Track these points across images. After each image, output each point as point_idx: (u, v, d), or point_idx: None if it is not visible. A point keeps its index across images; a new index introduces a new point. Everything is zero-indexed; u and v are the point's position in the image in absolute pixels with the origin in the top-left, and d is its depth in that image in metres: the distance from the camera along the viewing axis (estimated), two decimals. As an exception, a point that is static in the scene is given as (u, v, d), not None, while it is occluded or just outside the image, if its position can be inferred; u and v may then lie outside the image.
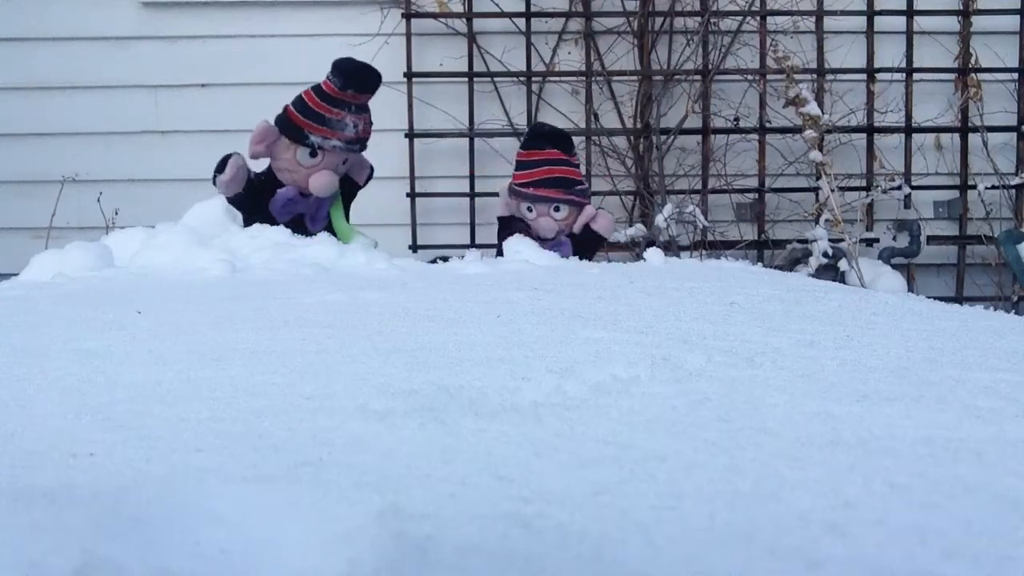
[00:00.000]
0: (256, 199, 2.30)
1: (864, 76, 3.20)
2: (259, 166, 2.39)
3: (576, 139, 3.16)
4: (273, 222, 2.26)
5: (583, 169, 3.15)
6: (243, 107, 3.17)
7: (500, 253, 2.36)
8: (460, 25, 3.16)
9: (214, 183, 2.30)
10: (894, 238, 3.25)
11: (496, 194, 2.65)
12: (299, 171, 2.30)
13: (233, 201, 2.30)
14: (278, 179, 2.35)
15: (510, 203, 2.48)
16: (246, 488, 0.52)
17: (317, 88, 2.33)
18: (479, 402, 0.73)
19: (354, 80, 2.30)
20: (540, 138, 2.44)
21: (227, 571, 0.43)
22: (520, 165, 2.46)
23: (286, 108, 2.34)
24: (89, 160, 3.13)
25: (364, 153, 2.45)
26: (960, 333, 1.15)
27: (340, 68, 2.32)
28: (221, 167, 2.28)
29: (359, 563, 0.43)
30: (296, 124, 2.30)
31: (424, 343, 0.99)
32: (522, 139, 2.50)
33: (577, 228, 2.41)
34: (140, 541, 0.44)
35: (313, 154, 2.29)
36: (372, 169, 2.51)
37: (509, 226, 2.46)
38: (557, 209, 2.40)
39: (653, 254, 2.18)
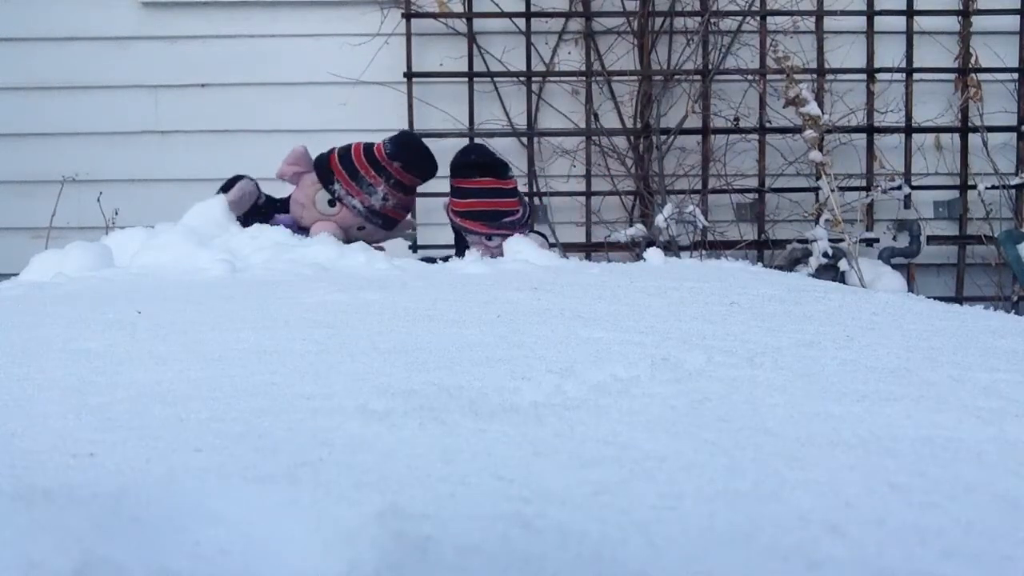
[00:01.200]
0: (255, 221, 2.22)
1: (864, 76, 3.20)
2: (276, 192, 2.36)
3: (576, 139, 3.17)
4: None
5: (583, 170, 3.16)
6: (243, 107, 3.17)
7: (460, 253, 2.32)
8: (460, 25, 3.16)
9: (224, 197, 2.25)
10: (894, 238, 3.25)
11: None
12: (312, 212, 2.23)
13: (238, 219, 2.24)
14: (288, 207, 2.30)
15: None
16: (246, 488, 0.52)
17: (369, 145, 2.27)
18: (479, 402, 0.73)
19: (404, 155, 2.23)
20: (468, 167, 2.29)
21: (227, 571, 0.43)
22: (453, 191, 2.33)
23: (332, 149, 2.29)
24: (89, 160, 3.13)
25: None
26: (960, 333, 1.15)
27: (397, 137, 2.27)
28: (227, 186, 2.24)
29: (359, 563, 0.43)
30: (329, 167, 2.24)
31: (424, 343, 0.99)
32: (451, 164, 2.33)
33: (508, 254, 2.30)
34: (140, 541, 0.44)
35: (332, 203, 2.22)
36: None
37: (462, 236, 2.40)
38: (490, 239, 2.29)
39: (653, 254, 2.18)
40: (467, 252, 2.28)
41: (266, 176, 2.92)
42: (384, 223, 2.27)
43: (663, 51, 3.19)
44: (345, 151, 2.25)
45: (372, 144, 2.25)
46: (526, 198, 2.54)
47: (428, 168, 2.27)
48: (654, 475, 0.56)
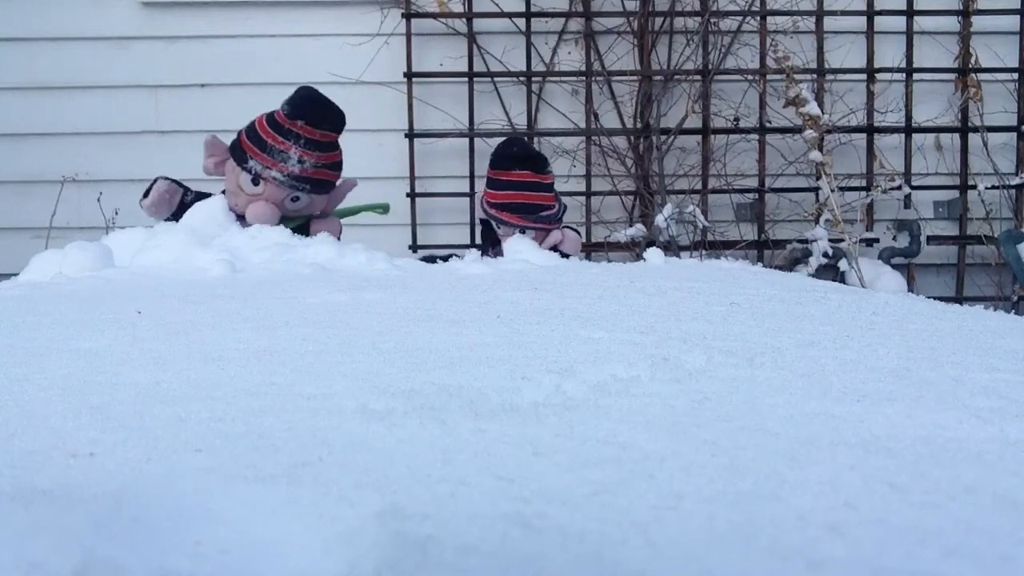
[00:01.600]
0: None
1: (864, 76, 3.20)
2: (208, 188, 2.31)
3: (576, 139, 3.17)
4: None
5: (583, 170, 3.16)
6: (243, 107, 3.16)
7: (485, 253, 2.33)
8: (460, 25, 3.16)
9: (140, 206, 2.21)
10: (894, 238, 3.25)
11: None
12: (241, 196, 2.16)
13: (171, 221, 2.18)
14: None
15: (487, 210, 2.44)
16: (246, 488, 0.52)
17: (271, 112, 2.19)
18: (479, 402, 0.73)
19: (303, 111, 2.14)
20: (508, 159, 2.32)
21: (227, 571, 0.43)
22: (489, 182, 2.36)
23: (240, 129, 2.21)
24: (89, 160, 3.13)
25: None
26: (960, 333, 1.15)
27: (293, 96, 2.18)
28: (148, 191, 2.19)
29: (359, 563, 0.43)
30: (241, 147, 2.17)
31: (424, 343, 0.99)
32: (491, 156, 2.36)
33: (544, 247, 2.33)
34: (140, 541, 0.44)
35: (255, 182, 2.14)
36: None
37: (492, 229, 2.43)
38: (523, 231, 2.33)
39: (653, 254, 2.18)
40: (508, 241, 2.29)
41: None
42: (313, 187, 2.19)
43: (663, 51, 3.19)
44: (250, 126, 2.19)
45: (274, 111, 2.18)
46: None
47: (332, 118, 2.19)
48: (654, 475, 0.56)
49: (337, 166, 2.24)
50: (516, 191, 2.30)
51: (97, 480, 0.54)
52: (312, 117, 2.14)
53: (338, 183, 2.28)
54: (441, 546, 0.44)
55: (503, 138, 3.15)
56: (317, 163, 2.17)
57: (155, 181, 2.21)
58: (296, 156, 2.13)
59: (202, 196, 2.25)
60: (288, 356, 0.92)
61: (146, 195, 2.19)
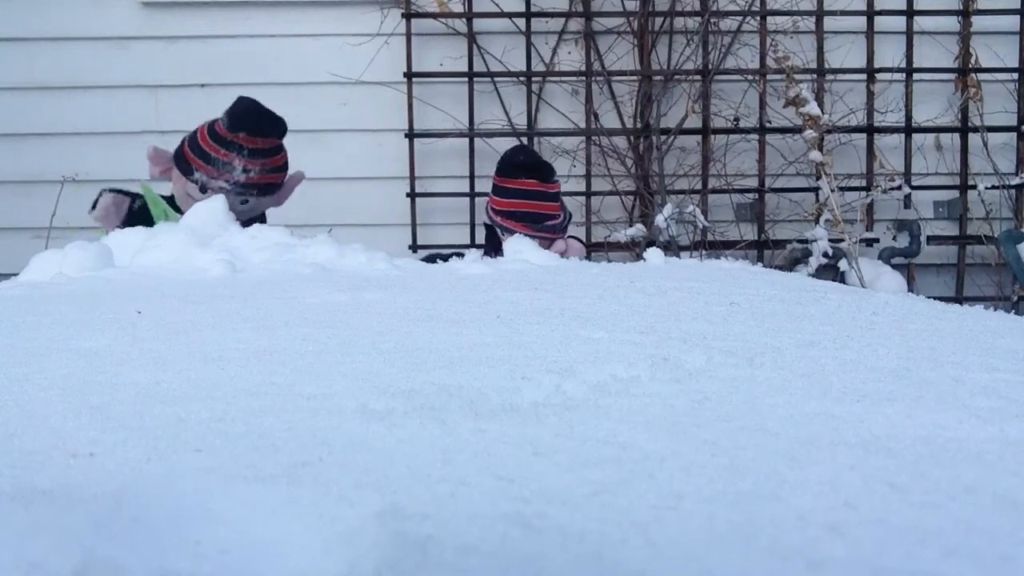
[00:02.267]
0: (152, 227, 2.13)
1: (864, 76, 3.20)
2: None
3: (576, 139, 3.17)
4: None
5: (583, 170, 3.16)
6: (243, 107, 3.17)
7: (488, 255, 2.33)
8: (460, 25, 3.16)
9: (91, 217, 2.21)
10: (894, 238, 3.25)
11: None
12: (189, 202, 2.16)
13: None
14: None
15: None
16: (246, 488, 0.52)
17: (212, 123, 2.18)
18: (479, 402, 0.73)
19: (243, 123, 2.14)
20: (514, 167, 2.32)
21: (227, 571, 0.43)
22: (494, 189, 2.35)
23: (183, 139, 2.21)
24: (89, 160, 3.13)
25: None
26: (960, 333, 1.15)
27: (232, 108, 2.17)
28: (95, 204, 2.19)
29: (359, 563, 0.43)
30: (185, 158, 2.16)
31: (424, 343, 0.99)
32: (498, 163, 2.36)
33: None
34: (140, 541, 0.44)
35: (203, 190, 2.15)
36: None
37: (496, 234, 2.43)
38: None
39: (653, 254, 2.17)
40: (508, 241, 2.29)
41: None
42: (260, 191, 2.20)
43: (663, 51, 3.19)
44: (192, 137, 2.18)
45: (215, 122, 2.18)
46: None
47: (273, 127, 2.19)
48: (654, 475, 0.56)
49: (282, 168, 2.25)
50: (522, 199, 2.30)
51: (97, 480, 0.54)
52: (253, 128, 2.15)
53: (285, 180, 2.29)
54: (441, 546, 0.44)
55: (503, 138, 3.16)
56: (262, 169, 2.18)
57: (100, 194, 2.21)
58: (240, 166, 2.14)
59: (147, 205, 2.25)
60: (288, 356, 0.92)
61: (93, 207, 2.20)
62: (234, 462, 0.57)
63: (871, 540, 0.46)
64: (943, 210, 3.31)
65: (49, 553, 0.41)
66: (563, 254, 2.36)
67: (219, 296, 1.38)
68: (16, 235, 3.09)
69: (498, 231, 2.38)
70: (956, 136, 3.24)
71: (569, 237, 2.44)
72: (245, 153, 2.14)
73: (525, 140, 3.18)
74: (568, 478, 0.55)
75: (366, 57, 3.15)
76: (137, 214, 2.21)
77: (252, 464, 0.57)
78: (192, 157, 2.16)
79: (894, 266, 3.16)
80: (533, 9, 3.16)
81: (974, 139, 3.22)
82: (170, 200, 2.27)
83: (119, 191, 2.23)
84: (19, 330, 1.11)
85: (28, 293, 1.50)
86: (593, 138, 3.16)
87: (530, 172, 2.30)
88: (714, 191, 3.16)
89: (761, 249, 3.20)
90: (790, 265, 3.11)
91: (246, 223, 2.17)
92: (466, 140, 3.16)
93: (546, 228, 2.33)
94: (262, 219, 2.32)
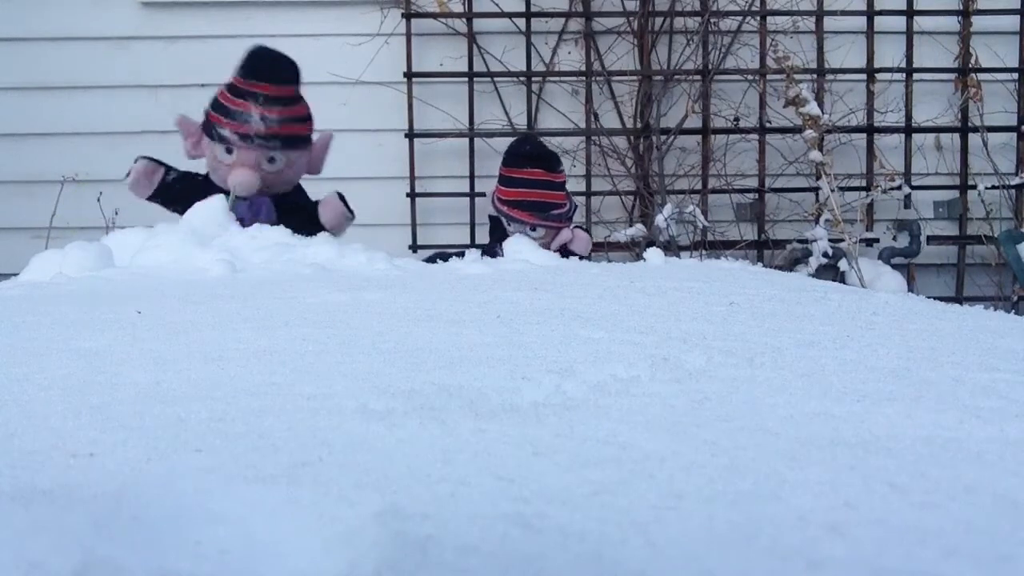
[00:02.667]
0: (185, 202, 2.17)
1: (864, 76, 3.20)
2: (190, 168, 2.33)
3: (576, 139, 3.17)
4: None
5: (583, 170, 3.16)
6: (243, 107, 3.17)
7: (489, 252, 2.33)
8: (460, 25, 3.16)
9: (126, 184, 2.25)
10: (894, 238, 3.25)
11: None
12: (221, 168, 2.20)
13: (156, 201, 2.25)
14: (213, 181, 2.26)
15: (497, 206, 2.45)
16: (246, 488, 0.52)
17: (230, 81, 2.23)
18: (479, 402, 0.73)
19: (255, 70, 2.17)
20: (521, 157, 2.34)
21: (227, 571, 0.43)
22: (501, 179, 2.38)
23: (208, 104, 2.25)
24: (89, 160, 3.13)
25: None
26: (960, 333, 1.15)
27: (243, 56, 2.19)
28: (129, 172, 2.23)
29: (359, 563, 0.43)
30: (209, 119, 2.22)
31: (424, 343, 0.99)
32: (504, 153, 2.40)
33: (553, 248, 2.36)
34: (140, 541, 0.44)
35: (229, 151, 2.18)
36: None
37: (500, 226, 2.45)
38: (533, 229, 2.35)
39: (653, 254, 2.17)
40: (508, 241, 2.30)
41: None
42: (284, 143, 2.19)
43: (663, 51, 3.19)
44: (214, 98, 2.24)
45: (231, 78, 2.22)
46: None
47: (286, 69, 2.21)
48: (654, 475, 0.56)
49: (304, 119, 2.26)
50: (528, 188, 2.32)
51: (97, 480, 0.54)
52: (264, 73, 2.17)
53: (314, 139, 2.30)
54: (441, 546, 0.44)
55: (503, 138, 3.16)
56: (281, 118, 2.19)
57: (136, 161, 2.25)
58: (257, 114, 2.15)
59: (188, 176, 2.28)
60: (288, 356, 0.92)
61: (128, 175, 2.24)
62: (234, 462, 0.57)
63: (871, 540, 0.46)
64: (943, 210, 3.31)
65: (49, 553, 0.41)
66: (569, 243, 2.37)
67: (219, 296, 1.38)
68: (16, 235, 3.09)
69: (504, 221, 2.39)
70: (956, 136, 3.24)
71: (575, 227, 2.45)
72: (260, 100, 2.16)
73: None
74: (568, 478, 0.55)
75: (366, 57, 3.15)
76: (170, 186, 2.25)
77: (252, 464, 0.57)
78: (215, 116, 2.19)
79: (894, 266, 3.15)
80: (533, 9, 3.16)
81: (974, 139, 3.22)
82: (197, 176, 2.29)
83: (153, 160, 2.27)
84: (19, 330, 1.11)
85: (28, 293, 1.50)
86: (593, 138, 3.16)
87: (536, 162, 2.32)
88: (714, 191, 3.16)
89: (761, 249, 3.20)
90: (790, 265, 3.11)
91: (283, 203, 2.20)
92: (466, 140, 3.16)
93: (552, 217, 2.35)
94: (300, 196, 2.31)
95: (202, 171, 2.31)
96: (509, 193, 2.34)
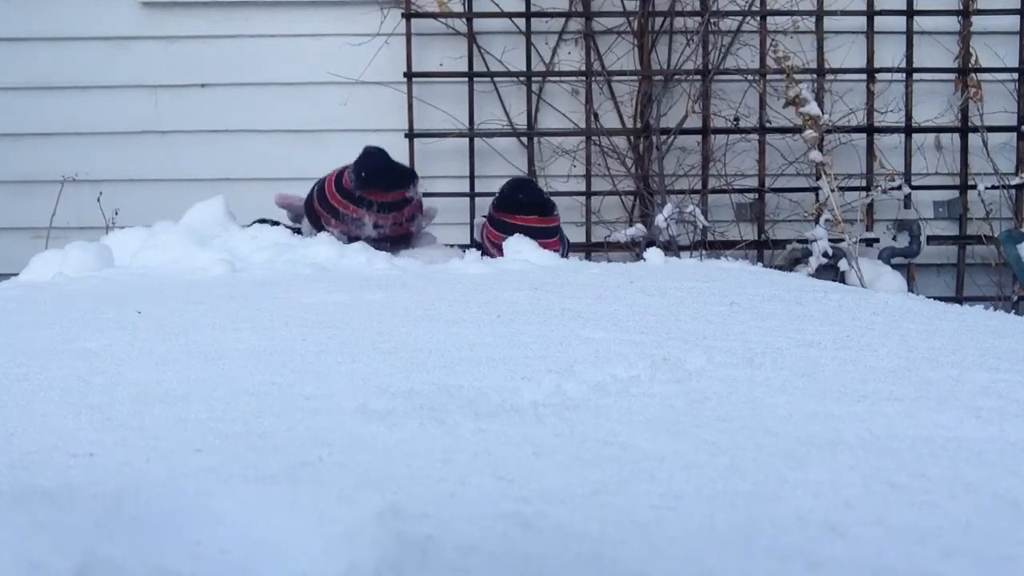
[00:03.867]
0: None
1: (864, 76, 3.20)
2: None
3: (576, 139, 3.17)
4: None
5: (583, 170, 3.16)
6: (243, 107, 3.17)
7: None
8: (460, 25, 3.16)
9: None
10: (894, 238, 3.25)
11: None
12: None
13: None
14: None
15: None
16: (246, 488, 0.52)
17: (339, 176, 2.12)
18: (479, 402, 0.73)
19: (371, 182, 2.06)
20: (515, 205, 2.27)
21: (227, 571, 0.43)
22: (492, 221, 2.30)
23: (311, 190, 2.16)
24: (89, 160, 3.13)
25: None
26: (960, 333, 1.15)
27: (358, 163, 2.08)
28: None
29: (359, 563, 0.43)
30: (315, 212, 2.14)
31: (424, 343, 0.99)
32: (496, 197, 2.31)
33: None
34: (140, 541, 0.44)
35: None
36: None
37: (487, 254, 2.41)
38: None
39: (653, 254, 2.17)
40: (508, 241, 2.27)
41: (267, 176, 2.93)
42: (394, 243, 2.16)
43: (663, 51, 3.19)
44: (320, 190, 2.14)
45: (342, 172, 2.13)
46: (565, 235, 2.53)
47: (404, 181, 2.13)
48: (654, 475, 0.56)
49: (413, 217, 2.20)
50: (525, 236, 2.25)
51: (97, 480, 0.54)
52: (383, 186, 2.08)
53: (423, 223, 2.27)
54: (441, 546, 0.44)
55: (503, 138, 3.16)
56: (394, 223, 2.14)
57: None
58: (371, 222, 2.10)
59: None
60: (288, 356, 0.92)
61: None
62: (234, 462, 0.57)
63: (871, 540, 0.46)
64: (943, 210, 3.31)
65: (49, 553, 0.41)
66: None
67: (219, 296, 1.38)
68: (16, 235, 3.09)
69: (492, 256, 2.36)
70: (956, 136, 3.24)
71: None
72: (375, 208, 2.09)
73: (525, 140, 3.18)
74: (568, 478, 0.55)
75: (366, 57, 3.15)
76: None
77: (252, 464, 0.57)
78: (322, 212, 2.12)
79: (894, 266, 3.15)
80: (533, 9, 3.15)
81: (974, 139, 3.21)
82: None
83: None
84: (19, 330, 1.11)
85: (28, 293, 1.50)
86: (593, 138, 3.16)
87: (530, 209, 2.26)
88: (714, 191, 3.16)
89: (761, 249, 3.20)
90: (790, 265, 3.11)
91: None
92: (466, 140, 3.16)
93: None
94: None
95: None
96: (500, 238, 2.27)
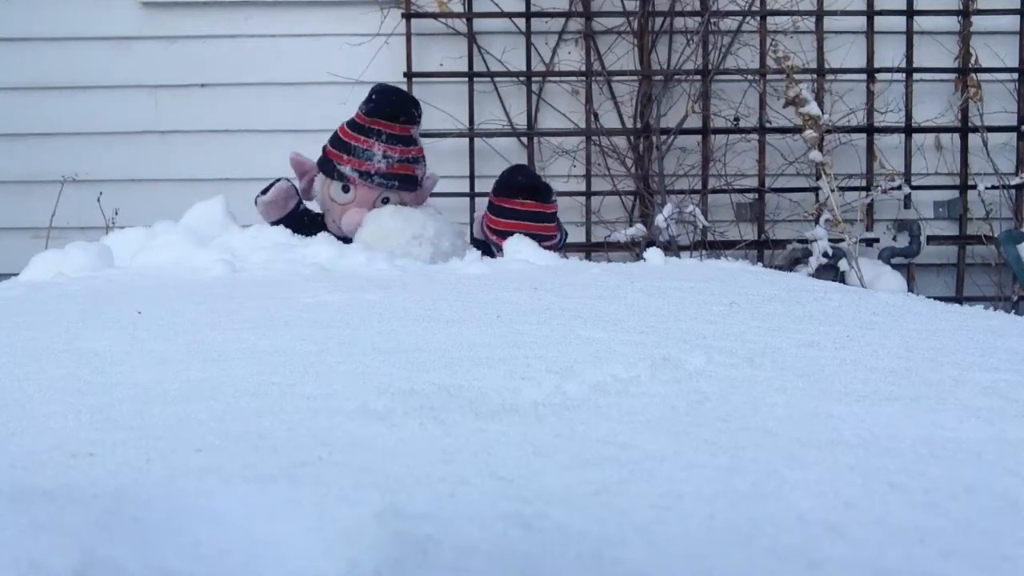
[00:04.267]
0: (303, 232, 2.19)
1: (864, 76, 3.20)
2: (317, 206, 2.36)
3: (576, 139, 3.17)
4: None
5: (583, 170, 3.16)
6: (243, 107, 3.18)
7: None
8: (460, 25, 3.16)
9: (256, 203, 2.25)
10: (894, 238, 3.25)
11: None
12: (334, 209, 2.22)
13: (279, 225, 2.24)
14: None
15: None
16: (246, 488, 0.52)
17: (350, 119, 2.24)
18: (479, 402, 0.73)
19: (380, 108, 2.18)
20: (513, 188, 2.29)
21: (227, 571, 0.43)
22: (491, 207, 2.33)
23: (325, 144, 2.26)
24: (89, 160, 3.13)
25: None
26: (960, 333, 1.15)
27: (368, 95, 2.23)
28: (267, 190, 2.23)
29: (359, 563, 0.43)
30: (327, 156, 2.22)
31: (424, 343, 0.99)
32: (495, 183, 2.34)
33: None
34: (140, 541, 0.44)
35: (346, 189, 2.20)
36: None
37: (488, 251, 2.41)
38: None
39: (653, 254, 2.17)
40: (508, 241, 2.28)
41: (267, 176, 2.92)
42: (401, 183, 2.22)
43: (663, 51, 3.19)
44: (334, 135, 2.25)
45: (353, 116, 2.24)
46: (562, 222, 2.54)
47: (410, 109, 2.23)
48: (654, 475, 0.56)
49: (418, 160, 2.28)
50: (518, 220, 2.28)
51: (97, 480, 0.54)
52: (391, 112, 2.19)
53: (422, 179, 2.32)
54: (441, 546, 0.44)
55: (503, 138, 3.16)
56: (401, 157, 2.21)
57: (276, 181, 2.26)
58: (380, 152, 2.18)
59: (312, 213, 2.31)
60: (288, 356, 0.92)
61: (263, 193, 2.25)
62: (234, 462, 0.57)
63: (871, 540, 0.46)
64: (943, 210, 3.31)
65: (49, 553, 0.41)
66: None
67: (219, 296, 1.38)
68: (16, 235, 3.09)
69: (492, 248, 2.37)
70: (956, 136, 3.24)
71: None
72: (384, 138, 2.18)
73: (525, 140, 3.18)
74: (568, 478, 0.55)
75: (366, 57, 3.15)
76: (299, 217, 2.27)
77: (252, 464, 0.57)
78: (334, 152, 2.21)
79: (894, 266, 3.15)
80: (533, 9, 3.16)
81: (974, 139, 3.22)
82: (317, 216, 2.32)
83: (292, 183, 2.29)
84: (19, 330, 1.11)
85: (28, 293, 1.50)
86: (593, 138, 3.16)
87: (528, 193, 2.28)
88: (714, 191, 3.16)
89: (761, 249, 3.20)
90: (790, 265, 3.11)
91: None
92: (466, 140, 3.16)
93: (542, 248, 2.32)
94: None
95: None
96: (499, 223, 2.30)
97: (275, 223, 2.22)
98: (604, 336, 1.04)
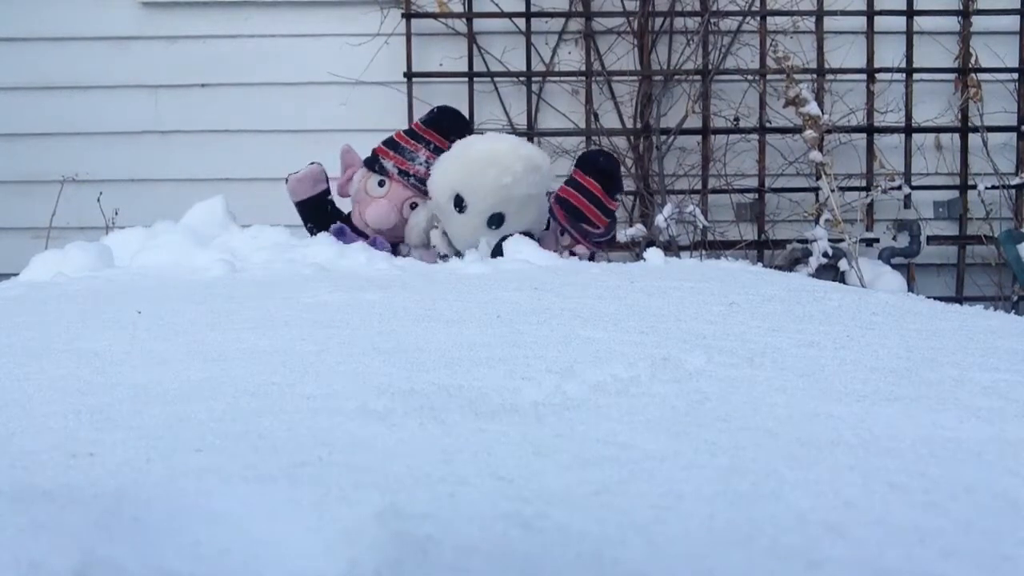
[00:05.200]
0: (322, 224, 2.36)
1: (864, 76, 3.20)
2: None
3: (576, 139, 3.17)
4: None
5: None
6: (243, 107, 3.17)
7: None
8: (460, 25, 3.16)
9: (286, 180, 2.40)
10: (894, 238, 3.25)
11: None
12: (364, 200, 2.36)
13: (300, 209, 2.41)
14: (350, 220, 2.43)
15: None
16: (246, 488, 0.52)
17: (409, 127, 2.47)
18: (479, 402, 0.73)
19: (438, 121, 2.40)
20: (588, 163, 2.44)
21: (227, 571, 0.43)
22: (568, 180, 2.47)
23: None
24: (89, 160, 3.13)
25: None
26: (960, 333, 1.15)
27: (432, 108, 2.47)
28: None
29: (359, 563, 0.43)
30: (375, 152, 2.40)
31: (424, 343, 0.99)
32: (576, 159, 2.51)
33: (559, 252, 2.39)
34: (140, 541, 0.44)
35: (382, 183, 2.35)
36: None
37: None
38: (561, 233, 2.42)
39: (653, 254, 2.17)
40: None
41: (267, 176, 2.93)
42: (426, 194, 2.35)
43: (663, 51, 3.19)
44: (388, 138, 2.44)
45: (411, 124, 2.48)
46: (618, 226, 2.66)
47: (463, 131, 2.40)
48: (654, 475, 0.56)
49: None
50: (580, 195, 2.41)
51: (97, 480, 0.54)
52: (445, 124, 2.41)
53: None
54: (441, 546, 0.44)
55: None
56: None
57: (311, 163, 2.44)
58: (424, 158, 2.36)
59: (333, 203, 2.47)
60: (288, 356, 0.92)
61: (295, 172, 2.42)
62: (234, 462, 0.57)
63: (871, 540, 0.46)
64: (943, 210, 3.31)
65: (49, 553, 0.41)
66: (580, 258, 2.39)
67: (219, 296, 1.38)
68: (16, 235, 3.08)
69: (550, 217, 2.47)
70: (956, 136, 3.24)
71: (598, 252, 2.50)
72: (431, 148, 2.37)
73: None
74: (568, 478, 0.55)
75: (366, 57, 3.15)
76: (323, 203, 2.43)
77: (252, 464, 0.57)
78: (383, 149, 2.41)
79: (894, 266, 3.15)
80: (533, 9, 3.15)
81: (974, 139, 3.21)
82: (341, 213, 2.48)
83: (323, 168, 2.46)
84: (19, 330, 1.11)
85: (28, 293, 1.50)
86: (593, 138, 3.16)
87: (598, 175, 2.41)
88: (714, 191, 3.16)
89: (761, 249, 3.20)
90: (790, 265, 3.11)
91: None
92: (466, 140, 3.16)
93: (579, 229, 2.40)
94: None
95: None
96: (565, 192, 2.43)
97: (300, 204, 2.39)
98: (604, 336, 1.04)
